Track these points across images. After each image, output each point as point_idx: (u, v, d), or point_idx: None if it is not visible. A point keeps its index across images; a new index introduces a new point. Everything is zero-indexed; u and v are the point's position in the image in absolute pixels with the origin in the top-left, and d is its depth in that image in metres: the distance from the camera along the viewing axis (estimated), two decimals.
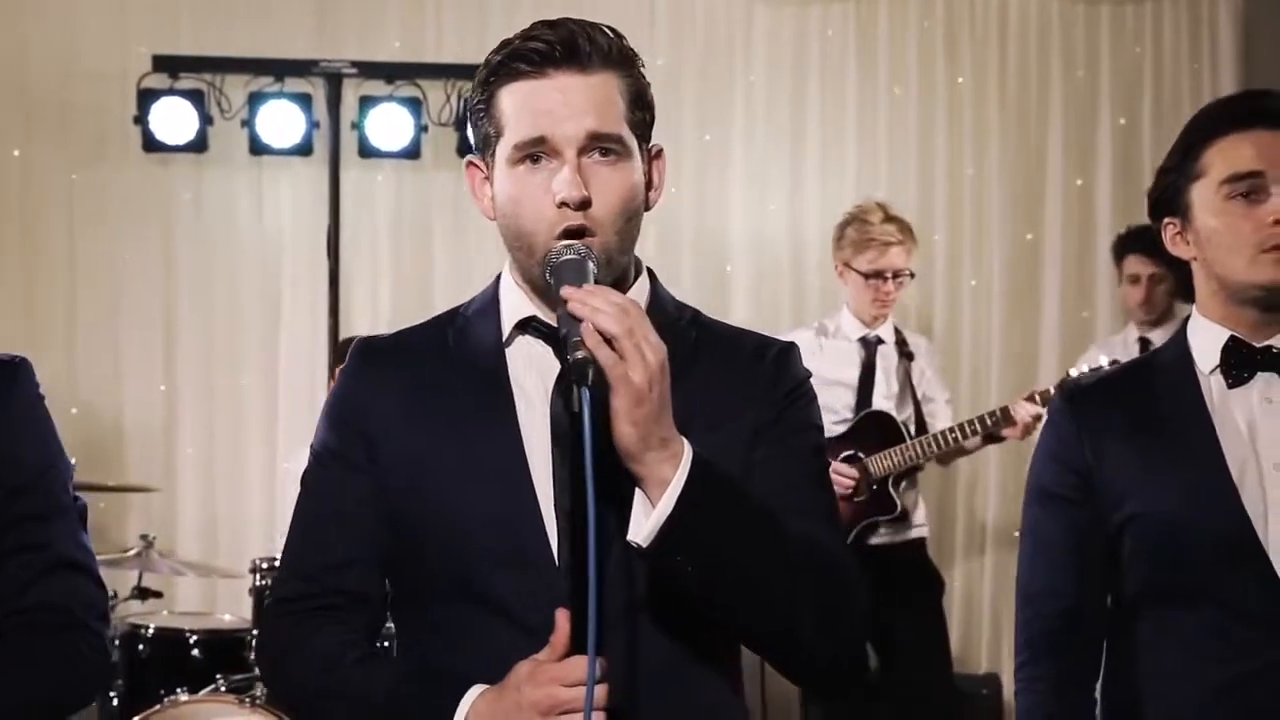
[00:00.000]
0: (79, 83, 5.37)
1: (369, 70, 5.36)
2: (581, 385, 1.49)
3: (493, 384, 1.72)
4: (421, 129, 5.39)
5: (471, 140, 1.78)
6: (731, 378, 1.75)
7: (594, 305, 1.51)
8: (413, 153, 5.41)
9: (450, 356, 1.75)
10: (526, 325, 1.74)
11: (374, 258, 5.61)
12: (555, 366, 1.71)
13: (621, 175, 1.67)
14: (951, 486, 5.72)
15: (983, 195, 5.88)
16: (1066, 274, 5.87)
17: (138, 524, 5.13)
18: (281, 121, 5.30)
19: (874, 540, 4.41)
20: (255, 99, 5.30)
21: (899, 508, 4.39)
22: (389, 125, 5.36)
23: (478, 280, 5.41)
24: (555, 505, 1.66)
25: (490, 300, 1.78)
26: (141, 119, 5.22)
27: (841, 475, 4.30)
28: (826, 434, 4.28)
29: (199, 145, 5.31)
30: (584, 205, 1.63)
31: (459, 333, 1.77)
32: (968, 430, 4.33)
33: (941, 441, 4.36)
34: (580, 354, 1.50)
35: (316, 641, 1.70)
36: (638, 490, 1.56)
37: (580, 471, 1.49)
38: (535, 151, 1.65)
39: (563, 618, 1.54)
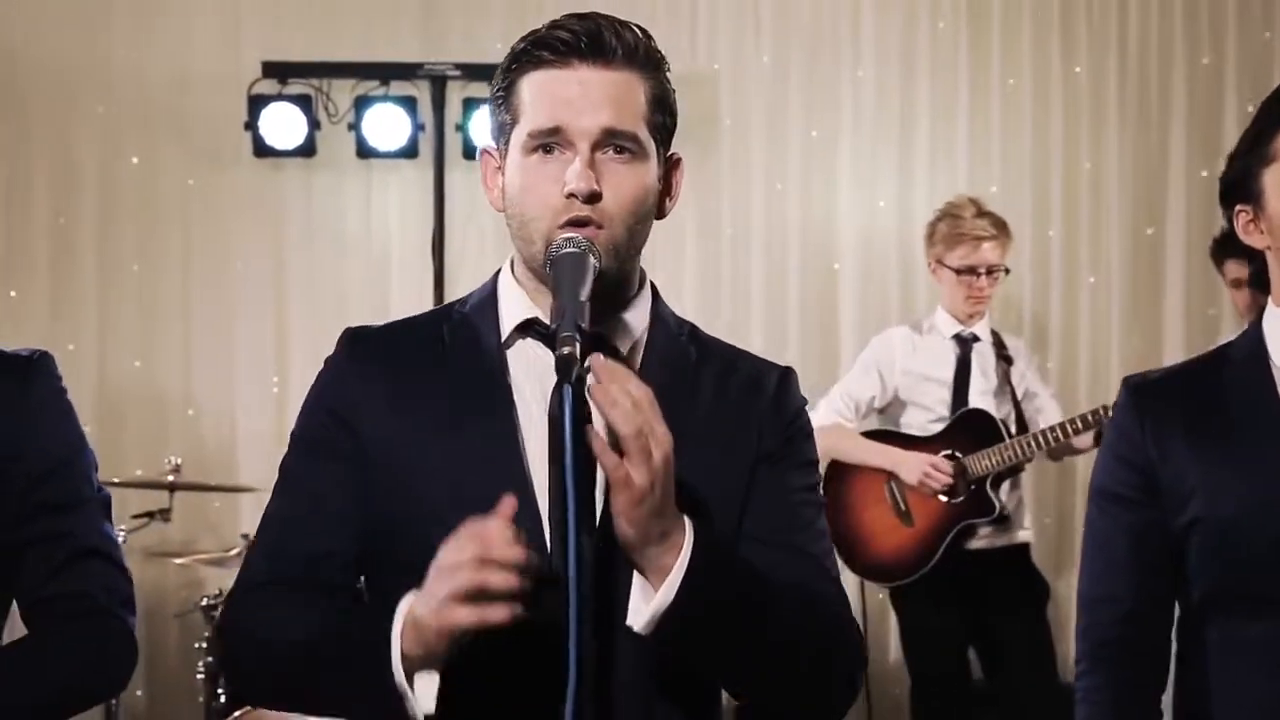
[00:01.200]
0: (194, 90, 5.49)
1: (473, 72, 5.38)
2: (564, 382, 1.45)
3: (490, 386, 1.68)
4: None
5: (489, 128, 1.75)
6: (733, 399, 1.73)
7: (612, 397, 1.47)
8: None
9: (446, 354, 1.72)
10: (528, 328, 1.71)
11: (479, 258, 5.63)
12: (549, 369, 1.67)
13: (635, 174, 1.64)
14: (1070, 488, 5.55)
15: (1101, 189, 5.69)
16: (1190, 269, 5.65)
17: (249, 525, 5.22)
18: (387, 125, 5.35)
19: (973, 544, 4.30)
20: (361, 103, 5.36)
21: (998, 509, 4.26)
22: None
23: None
24: (550, 513, 1.63)
25: (488, 298, 1.76)
26: (252, 124, 5.32)
27: (938, 473, 4.21)
28: (922, 431, 4.27)
29: (307, 149, 5.39)
30: (593, 199, 1.60)
31: (454, 330, 1.74)
32: (1077, 426, 4.19)
33: (1044, 440, 4.24)
34: (566, 350, 1.46)
35: (295, 617, 1.66)
36: (635, 573, 1.54)
37: (560, 470, 1.46)
38: (549, 142, 1.63)
39: (509, 501, 1.49)
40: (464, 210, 5.56)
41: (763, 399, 1.74)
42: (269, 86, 5.35)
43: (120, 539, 2.13)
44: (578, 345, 1.46)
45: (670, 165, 1.72)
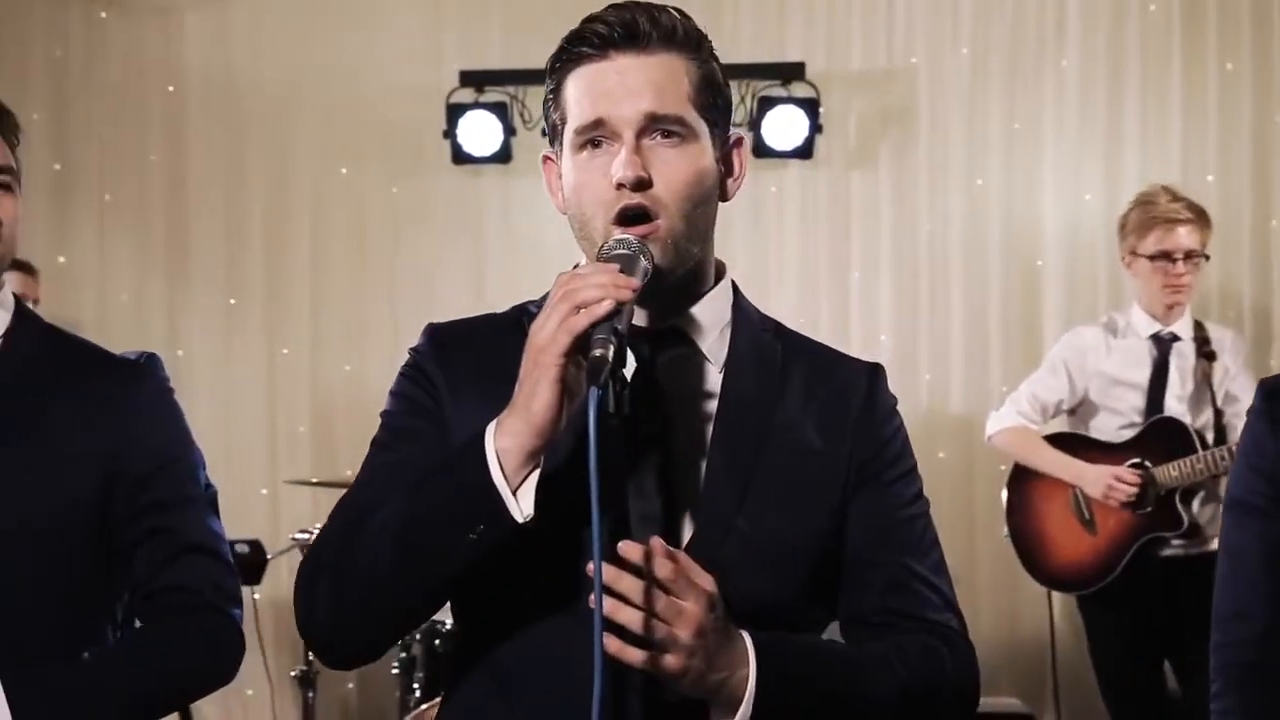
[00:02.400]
0: (398, 101, 5.66)
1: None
2: (592, 384, 1.43)
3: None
4: None
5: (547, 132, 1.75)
6: (823, 399, 1.70)
7: (621, 589, 1.44)
8: None
9: (521, 346, 1.71)
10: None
11: None
12: (632, 365, 1.66)
13: (685, 157, 1.61)
14: None
15: None
16: None
17: None
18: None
19: (1165, 552, 4.08)
20: None
21: (1185, 523, 4.03)
22: None
23: (774, 276, 5.46)
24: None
25: None
26: (450, 132, 5.45)
27: (1123, 485, 4.02)
28: (1112, 438, 4.08)
29: (503, 156, 5.50)
30: (641, 185, 1.58)
31: (530, 324, 1.74)
32: None
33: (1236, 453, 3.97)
34: (597, 353, 1.44)
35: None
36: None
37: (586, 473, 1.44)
38: (595, 135, 1.61)
39: None
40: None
41: (854, 400, 1.71)
42: (466, 95, 5.48)
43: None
44: (611, 349, 1.44)
45: (731, 145, 1.69)
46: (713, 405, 1.66)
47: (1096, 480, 4.07)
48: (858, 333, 5.54)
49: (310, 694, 4.52)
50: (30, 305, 4.76)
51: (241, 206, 5.74)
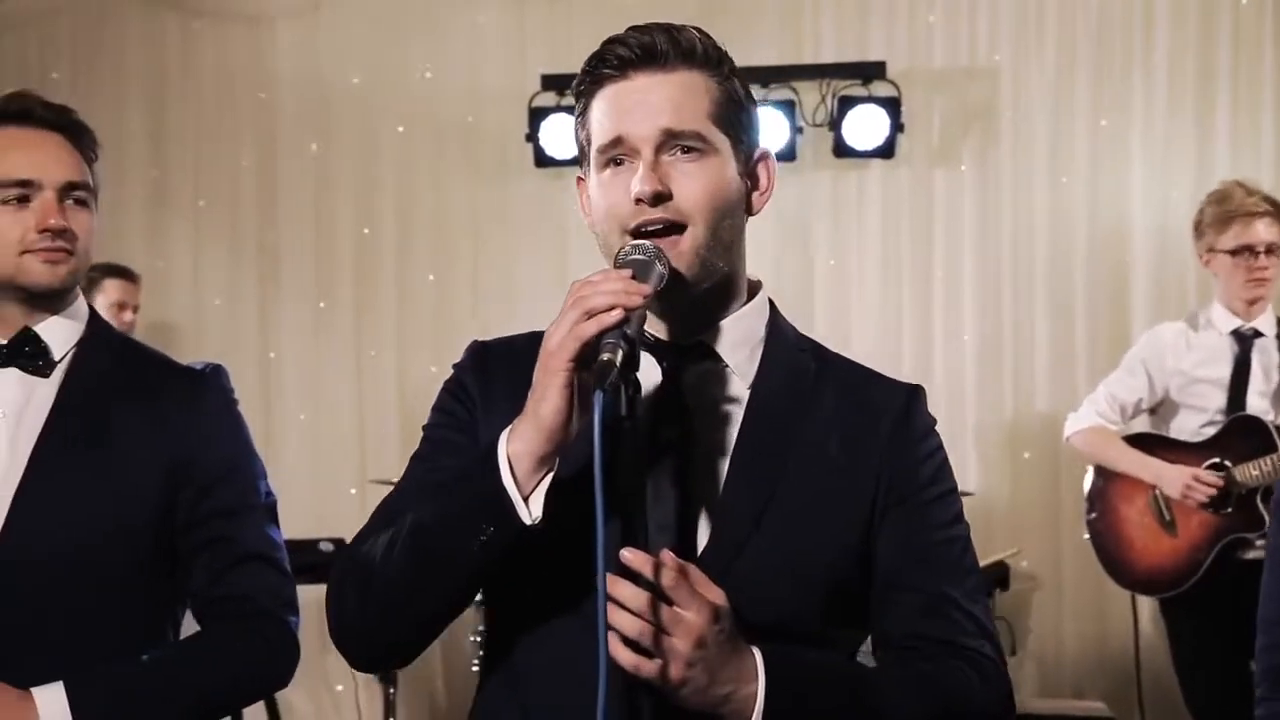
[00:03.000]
0: (482, 106, 5.73)
1: (744, 76, 5.39)
2: (598, 388, 1.43)
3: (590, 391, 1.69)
4: (796, 130, 5.40)
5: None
6: (855, 418, 1.69)
7: (619, 596, 1.45)
8: (788, 155, 5.42)
9: None
10: None
11: (755, 261, 5.61)
12: (655, 377, 1.67)
13: (705, 171, 1.62)
14: None
15: None
16: None
17: None
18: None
19: (1249, 555, 4.00)
20: None
21: (1268, 523, 3.94)
22: (764, 129, 5.36)
23: (856, 276, 5.43)
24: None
25: None
26: (533, 136, 5.51)
27: (1202, 486, 3.95)
28: (1192, 437, 4.00)
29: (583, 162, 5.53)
30: (659, 200, 1.59)
31: None
32: None
33: None
34: (605, 356, 1.44)
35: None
36: None
37: (628, 469, 1.46)
38: (617, 154, 1.63)
39: None
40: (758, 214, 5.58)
41: (888, 420, 1.69)
42: (548, 99, 5.52)
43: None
44: (619, 353, 1.45)
45: (756, 160, 1.70)
46: (738, 419, 1.67)
47: (1175, 480, 4.01)
48: (940, 333, 5.51)
49: (391, 689, 4.60)
50: (131, 312, 4.93)
51: (330, 211, 5.85)
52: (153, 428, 2.12)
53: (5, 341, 2.13)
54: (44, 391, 2.13)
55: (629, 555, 1.45)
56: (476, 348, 1.81)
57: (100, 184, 2.21)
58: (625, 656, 1.44)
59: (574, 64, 5.64)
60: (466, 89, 5.75)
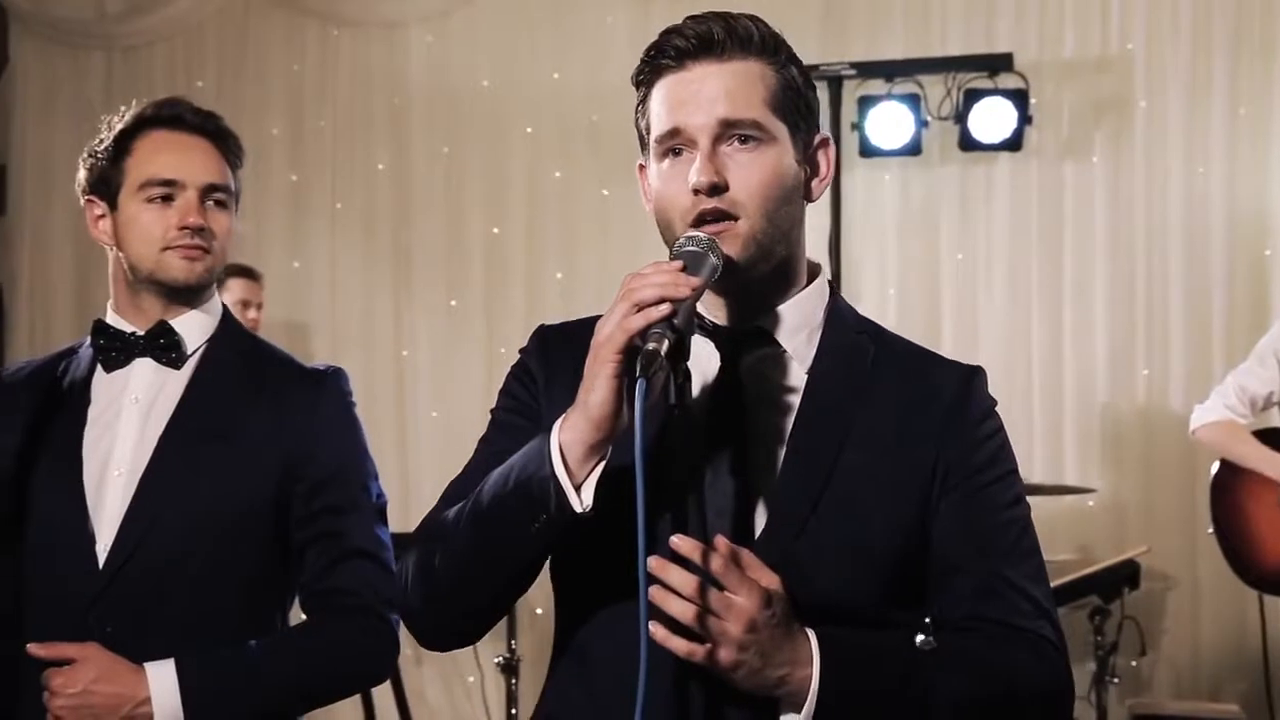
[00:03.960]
0: (608, 105, 5.78)
1: (868, 70, 5.39)
2: (641, 377, 1.46)
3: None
4: (922, 124, 5.35)
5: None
6: (913, 400, 1.69)
7: (671, 582, 1.47)
8: (913, 149, 5.38)
9: None
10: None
11: (879, 257, 5.62)
12: (714, 363, 1.69)
13: (761, 160, 1.63)
14: None
15: None
16: None
17: None
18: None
19: None
20: None
21: None
22: (889, 123, 5.36)
23: (983, 269, 5.37)
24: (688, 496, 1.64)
25: None
26: None
27: None
28: None
29: None
30: (716, 190, 1.61)
31: None
32: None
33: None
34: (650, 346, 1.47)
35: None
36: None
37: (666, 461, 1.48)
38: (675, 144, 1.65)
39: None
40: (862, 209, 5.57)
41: (945, 402, 1.69)
42: None
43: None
44: (665, 343, 1.47)
45: (816, 146, 1.71)
46: (795, 403, 1.68)
47: None
48: (1070, 328, 5.41)
49: (514, 681, 4.68)
50: (255, 310, 5.10)
51: (460, 211, 5.97)
52: (273, 424, 2.21)
53: (142, 332, 2.24)
54: (175, 382, 2.24)
55: (678, 541, 1.47)
56: (541, 331, 1.85)
57: (240, 189, 2.31)
58: (677, 643, 1.47)
59: None
60: (593, 88, 5.81)
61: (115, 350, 2.25)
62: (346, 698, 2.30)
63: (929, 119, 5.38)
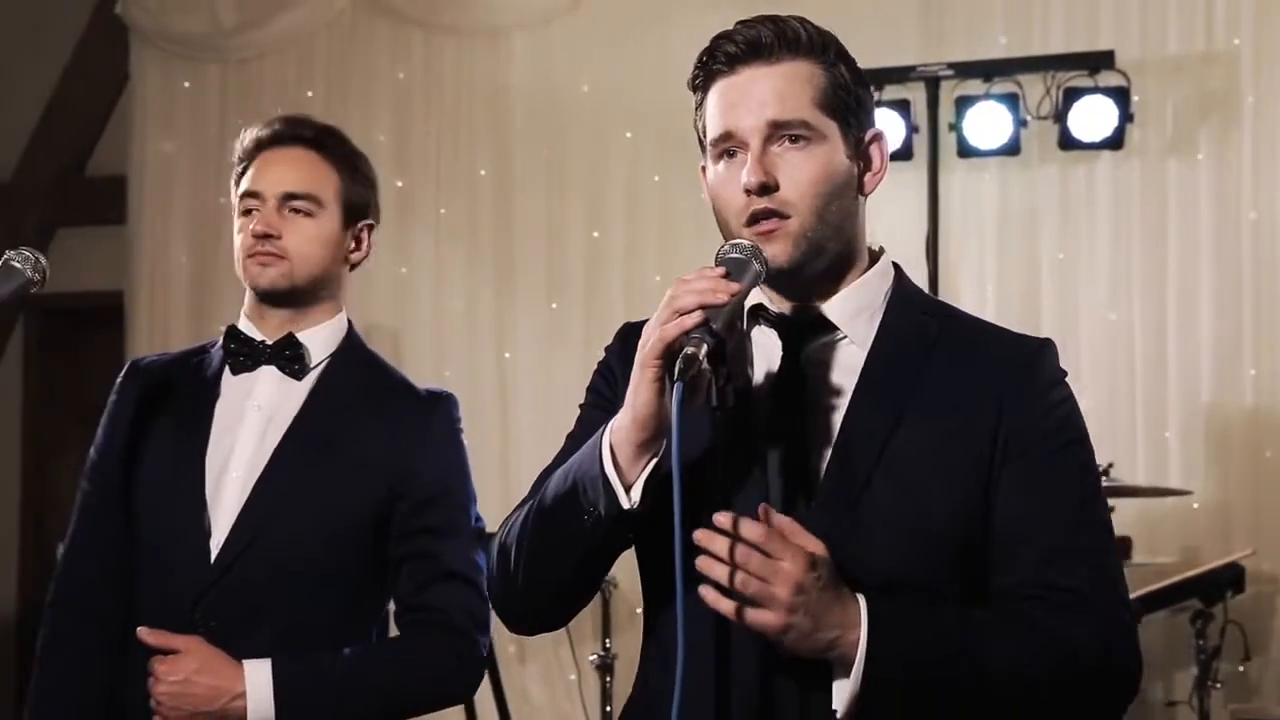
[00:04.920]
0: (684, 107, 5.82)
1: (965, 70, 5.37)
2: (679, 380, 1.51)
3: (736, 369, 1.75)
4: (1020, 124, 5.31)
5: None
6: (977, 374, 1.71)
7: (715, 549, 1.52)
8: (1012, 149, 5.34)
9: None
10: (757, 313, 1.78)
11: (979, 257, 5.59)
12: (777, 351, 1.74)
13: (811, 158, 1.68)
14: None
15: None
16: None
17: None
18: (881, 129, 5.42)
19: None
20: None
21: None
22: (987, 123, 5.33)
23: (1085, 270, 5.35)
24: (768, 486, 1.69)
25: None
26: None
27: None
28: None
29: None
30: (766, 190, 1.66)
31: None
32: None
33: None
34: (689, 350, 1.52)
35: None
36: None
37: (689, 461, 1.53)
38: (728, 146, 1.71)
39: None
40: (960, 210, 5.55)
41: (1010, 373, 1.71)
42: None
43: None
44: (703, 348, 1.53)
45: (869, 142, 1.76)
46: (852, 385, 1.72)
47: None
48: (1174, 326, 5.33)
49: (609, 679, 4.74)
50: None
51: (562, 215, 6.05)
52: (383, 442, 2.30)
53: (271, 342, 2.34)
54: (297, 393, 2.34)
55: (720, 517, 1.53)
56: (623, 329, 1.93)
57: (353, 195, 2.39)
58: (726, 604, 1.52)
59: None
60: (664, 91, 5.82)
61: (244, 356, 2.35)
62: (427, 713, 2.36)
63: (1028, 118, 5.34)
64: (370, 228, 2.45)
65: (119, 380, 2.43)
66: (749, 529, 1.52)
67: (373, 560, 2.29)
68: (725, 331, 1.58)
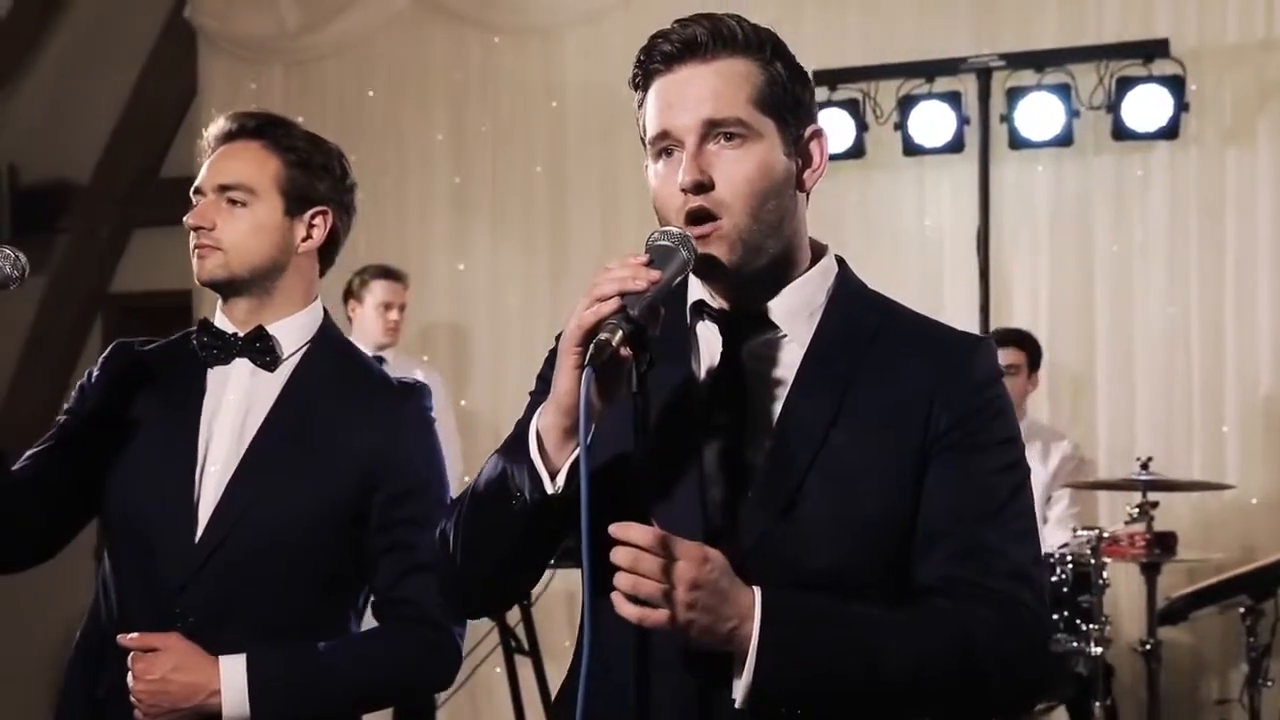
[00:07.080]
0: None
1: (1017, 61, 5.31)
2: (589, 365, 1.53)
3: (679, 353, 1.76)
4: (1073, 114, 5.25)
5: None
6: (912, 371, 1.70)
7: (630, 537, 1.53)
8: (1064, 140, 5.28)
9: (672, 331, 1.76)
10: (699, 308, 1.79)
11: (1032, 249, 5.53)
12: (717, 348, 1.75)
13: (746, 157, 1.67)
14: None
15: None
16: None
17: None
18: (932, 121, 5.41)
19: None
20: (906, 102, 5.45)
21: None
22: (1039, 114, 5.27)
23: (1139, 262, 5.28)
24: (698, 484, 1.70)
25: (682, 284, 1.85)
26: None
27: None
28: None
29: (857, 151, 5.57)
30: (701, 188, 1.66)
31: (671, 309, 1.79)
32: None
33: None
34: (603, 336, 1.53)
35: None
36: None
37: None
38: (666, 145, 1.70)
39: None
40: (1012, 201, 5.49)
41: (944, 370, 1.71)
42: (819, 94, 5.56)
43: None
44: (617, 334, 1.54)
45: (808, 138, 1.74)
46: (789, 384, 1.72)
47: None
48: (1232, 318, 5.24)
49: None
50: (397, 311, 5.24)
51: (615, 210, 6.08)
52: (357, 433, 2.29)
53: (242, 334, 2.37)
54: (271, 385, 2.33)
55: (615, 529, 1.54)
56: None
57: (297, 182, 2.32)
58: (629, 610, 1.54)
59: (850, 58, 5.70)
60: None
61: (216, 348, 2.34)
62: (404, 704, 2.36)
63: (1080, 109, 5.27)
64: (325, 214, 2.36)
65: (101, 358, 2.42)
66: (639, 535, 1.54)
67: (349, 552, 2.30)
68: (646, 318, 1.58)
